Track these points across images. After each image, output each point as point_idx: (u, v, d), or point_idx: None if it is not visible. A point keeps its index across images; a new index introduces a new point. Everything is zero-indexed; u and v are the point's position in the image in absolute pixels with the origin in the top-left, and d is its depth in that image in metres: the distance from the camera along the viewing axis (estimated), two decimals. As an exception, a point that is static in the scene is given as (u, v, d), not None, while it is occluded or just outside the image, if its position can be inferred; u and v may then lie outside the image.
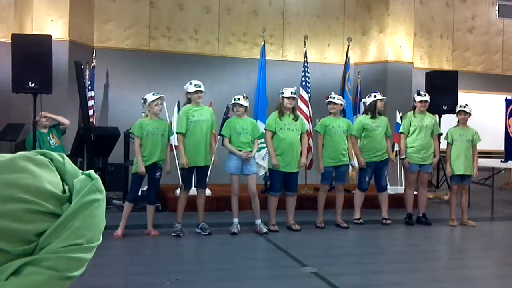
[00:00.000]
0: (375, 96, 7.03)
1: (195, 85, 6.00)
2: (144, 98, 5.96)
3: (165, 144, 5.99)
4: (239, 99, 6.26)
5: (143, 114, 6.15)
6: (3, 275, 0.66)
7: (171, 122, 7.53)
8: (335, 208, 6.90)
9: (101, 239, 0.76)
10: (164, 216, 7.15)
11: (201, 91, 6.02)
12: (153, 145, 5.85)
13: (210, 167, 7.46)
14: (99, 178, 0.77)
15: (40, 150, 0.77)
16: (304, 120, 6.96)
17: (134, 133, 5.93)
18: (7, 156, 0.72)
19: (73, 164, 0.78)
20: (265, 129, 6.46)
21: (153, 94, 5.93)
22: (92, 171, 0.78)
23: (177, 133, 6.08)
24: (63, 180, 0.75)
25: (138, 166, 5.78)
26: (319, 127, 6.79)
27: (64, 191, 0.74)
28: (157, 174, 5.95)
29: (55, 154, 0.77)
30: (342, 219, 6.85)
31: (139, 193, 6.63)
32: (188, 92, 6.02)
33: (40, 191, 0.70)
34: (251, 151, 6.22)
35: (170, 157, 6.15)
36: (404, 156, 7.10)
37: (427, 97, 7.12)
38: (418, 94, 7.20)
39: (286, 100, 6.35)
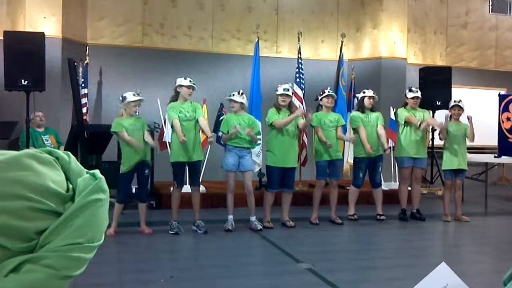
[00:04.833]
0: (363, 92, 7.07)
1: (190, 81, 6.00)
2: (123, 96, 5.91)
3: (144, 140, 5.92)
4: (233, 95, 6.26)
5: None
6: (3, 272, 0.66)
7: (165, 120, 7.52)
8: (329, 204, 6.91)
9: (103, 239, 0.75)
10: (159, 213, 7.14)
11: (194, 88, 6.03)
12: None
13: (205, 164, 7.45)
14: (103, 178, 0.77)
15: (47, 148, 0.77)
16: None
17: (117, 131, 5.83)
18: (12, 153, 0.72)
19: (78, 163, 0.78)
20: (271, 124, 6.32)
21: (134, 95, 5.88)
22: (97, 171, 0.78)
23: (172, 121, 5.90)
24: (67, 178, 0.75)
25: (132, 142, 5.73)
26: (314, 122, 6.70)
27: (67, 190, 0.73)
28: (145, 172, 5.97)
29: (61, 153, 0.77)
30: (336, 215, 6.86)
31: (133, 191, 6.60)
32: (180, 85, 6.00)
33: (42, 189, 0.70)
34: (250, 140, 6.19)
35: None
36: (420, 122, 6.91)
37: (419, 94, 7.14)
38: (410, 90, 7.21)
39: (279, 98, 6.35)
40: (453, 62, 11.31)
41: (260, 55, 8.32)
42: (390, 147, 8.41)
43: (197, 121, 6.01)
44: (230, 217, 6.24)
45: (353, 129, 7.03)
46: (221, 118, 7.37)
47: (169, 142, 6.64)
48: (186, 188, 6.36)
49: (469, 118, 6.96)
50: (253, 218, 6.29)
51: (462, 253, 5.75)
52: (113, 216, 5.83)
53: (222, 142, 6.58)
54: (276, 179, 6.41)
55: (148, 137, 5.97)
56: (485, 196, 8.31)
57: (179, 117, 5.90)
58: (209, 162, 7.92)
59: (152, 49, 9.48)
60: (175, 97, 6.07)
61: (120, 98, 5.96)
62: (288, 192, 6.55)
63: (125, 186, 5.94)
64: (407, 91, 7.26)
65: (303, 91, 8.33)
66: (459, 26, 11.62)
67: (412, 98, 7.09)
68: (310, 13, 10.43)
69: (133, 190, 6.75)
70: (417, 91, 7.17)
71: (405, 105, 7.22)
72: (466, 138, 7.07)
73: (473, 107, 9.42)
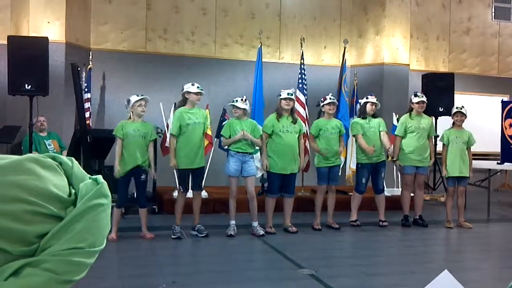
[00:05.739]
0: (367, 98, 7.08)
1: (197, 87, 6.02)
2: (128, 99, 5.99)
3: (147, 146, 5.95)
4: (236, 101, 6.27)
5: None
6: (3, 276, 0.66)
7: (167, 124, 7.53)
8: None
9: (104, 244, 0.75)
10: (161, 218, 7.14)
11: (202, 94, 6.06)
12: (133, 147, 5.84)
13: (207, 169, 7.46)
14: (106, 183, 0.77)
15: (50, 153, 0.78)
16: (302, 122, 6.97)
17: (116, 135, 5.90)
18: (15, 157, 0.73)
19: (81, 169, 0.78)
20: (262, 131, 6.45)
21: (137, 95, 5.95)
22: (100, 176, 0.78)
23: (170, 134, 6.08)
24: (70, 183, 0.75)
25: (114, 167, 5.81)
26: (313, 130, 6.79)
27: (70, 195, 0.74)
28: (142, 177, 5.94)
29: (64, 158, 0.78)
30: (333, 220, 6.85)
31: (129, 196, 6.58)
32: (188, 91, 6.01)
33: (44, 193, 0.70)
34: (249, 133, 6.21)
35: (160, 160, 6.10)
36: (395, 158, 7.09)
37: (424, 98, 7.14)
38: (415, 95, 7.21)
39: (283, 102, 6.36)
40: (455, 68, 11.31)
41: (263, 60, 8.33)
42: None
43: (203, 125, 6.05)
44: (232, 222, 6.24)
45: (353, 135, 7.05)
46: (223, 123, 7.38)
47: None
48: (189, 193, 6.36)
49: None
50: (255, 224, 6.29)
51: (464, 260, 5.73)
52: (112, 221, 5.84)
53: (223, 146, 6.60)
54: (276, 185, 6.42)
55: (151, 149, 6.01)
56: (487, 203, 8.29)
57: (187, 124, 5.92)
58: (211, 167, 7.91)
59: (155, 54, 9.51)
60: (183, 103, 6.10)
61: (126, 103, 6.00)
62: (289, 197, 6.54)
63: (122, 191, 5.95)
64: (413, 96, 7.25)
65: (306, 97, 8.33)
66: (462, 32, 11.63)
67: (418, 102, 7.09)
68: (313, 19, 10.45)
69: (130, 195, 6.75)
70: (422, 96, 7.17)
71: (410, 110, 7.21)
72: (467, 148, 7.06)
73: (476, 114, 9.42)
